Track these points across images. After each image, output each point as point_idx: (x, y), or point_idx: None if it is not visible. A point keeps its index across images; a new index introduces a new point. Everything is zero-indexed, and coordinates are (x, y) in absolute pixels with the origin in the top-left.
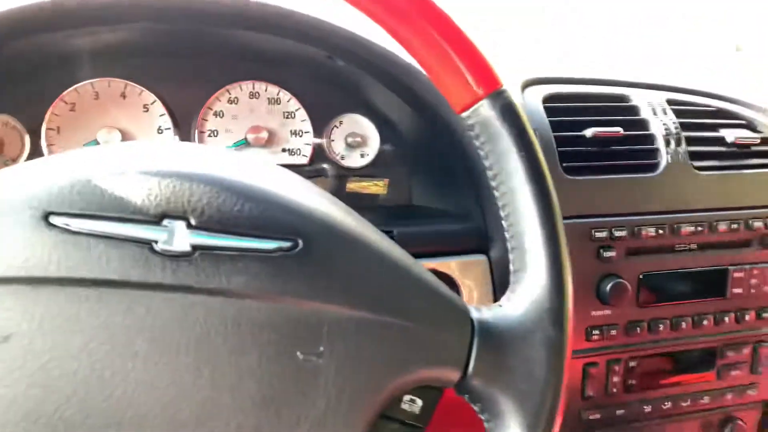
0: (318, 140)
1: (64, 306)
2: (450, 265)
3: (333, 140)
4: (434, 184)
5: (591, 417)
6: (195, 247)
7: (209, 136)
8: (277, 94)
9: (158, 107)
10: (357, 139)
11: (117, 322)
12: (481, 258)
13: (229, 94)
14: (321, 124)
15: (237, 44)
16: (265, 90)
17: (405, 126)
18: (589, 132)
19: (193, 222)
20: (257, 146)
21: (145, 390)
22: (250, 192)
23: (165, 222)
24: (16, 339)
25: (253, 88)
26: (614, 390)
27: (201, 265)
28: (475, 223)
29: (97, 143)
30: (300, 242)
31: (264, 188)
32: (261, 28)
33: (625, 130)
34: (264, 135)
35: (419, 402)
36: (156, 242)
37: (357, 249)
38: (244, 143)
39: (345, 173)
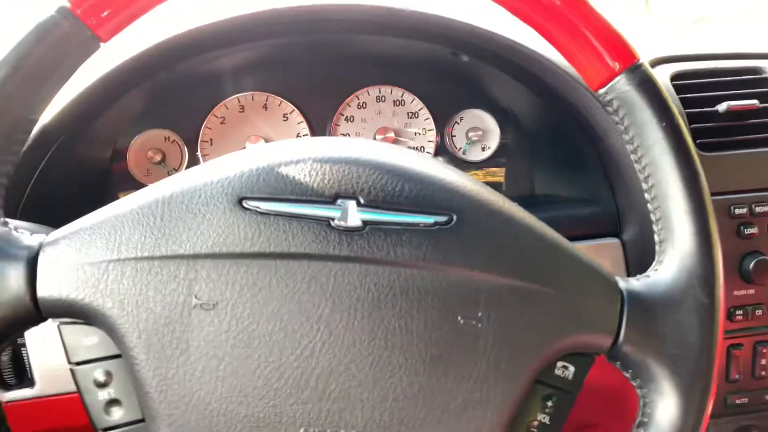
0: (439, 137)
1: (259, 277)
2: (581, 249)
3: (455, 136)
4: (558, 172)
5: (738, 401)
6: (365, 223)
7: (341, 136)
8: (402, 96)
9: (296, 116)
10: (478, 133)
11: (303, 289)
12: (614, 241)
13: (358, 99)
14: (443, 121)
15: (363, 52)
16: (390, 93)
17: (527, 116)
18: (722, 107)
19: (362, 201)
20: None
21: (329, 349)
22: (409, 174)
23: (339, 202)
24: (221, 306)
25: (380, 92)
26: (763, 373)
27: (371, 238)
28: (605, 207)
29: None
30: (454, 217)
31: (421, 170)
32: (388, 32)
33: (761, 103)
34: (391, 135)
35: (572, 368)
36: (333, 219)
37: (505, 222)
38: None
39: (466, 167)
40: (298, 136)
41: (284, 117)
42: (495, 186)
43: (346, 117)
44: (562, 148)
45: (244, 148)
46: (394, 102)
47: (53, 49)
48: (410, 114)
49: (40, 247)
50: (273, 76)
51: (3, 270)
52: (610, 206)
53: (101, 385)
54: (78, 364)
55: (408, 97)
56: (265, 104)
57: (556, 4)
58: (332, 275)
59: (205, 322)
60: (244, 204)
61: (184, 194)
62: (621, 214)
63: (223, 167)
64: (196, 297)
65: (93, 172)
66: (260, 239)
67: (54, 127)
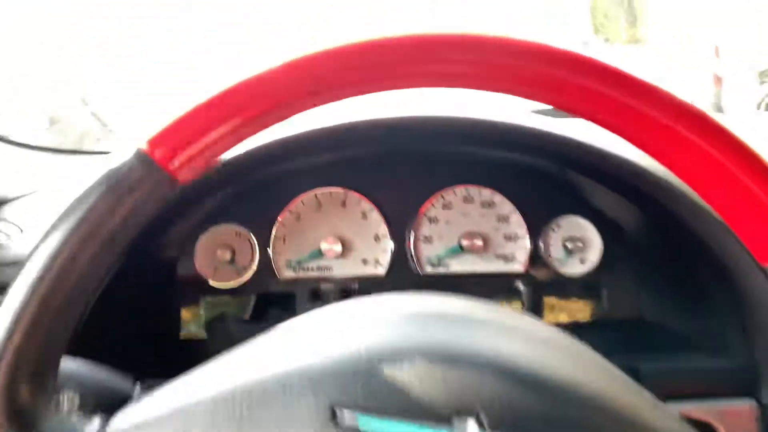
0: (533, 245)
1: None
2: (708, 410)
3: (551, 245)
4: (672, 303)
5: None
6: None
7: (424, 242)
8: (491, 197)
9: (376, 215)
10: (577, 243)
11: None
12: (749, 404)
13: (444, 199)
14: (537, 227)
15: (451, 151)
16: (479, 194)
17: (636, 230)
18: None
19: (485, 420)
20: (471, 252)
21: None
22: (553, 387)
23: (455, 422)
24: None
25: (467, 193)
26: None
27: None
28: (739, 358)
29: (320, 252)
30: None
31: (566, 381)
32: (484, 144)
33: None
34: (479, 242)
35: None
36: None
37: None
38: (458, 250)
39: (563, 281)
40: (376, 237)
41: (363, 215)
42: (594, 309)
43: (430, 218)
44: (679, 276)
45: (319, 248)
46: (483, 204)
47: (126, 198)
48: (500, 218)
49: None
50: (353, 172)
51: None
52: (744, 358)
53: None
54: None
55: (498, 198)
56: (344, 201)
57: (727, 159)
58: None
59: None
60: (338, 418)
61: (260, 398)
62: (761, 368)
63: (307, 360)
64: None
65: (157, 276)
66: None
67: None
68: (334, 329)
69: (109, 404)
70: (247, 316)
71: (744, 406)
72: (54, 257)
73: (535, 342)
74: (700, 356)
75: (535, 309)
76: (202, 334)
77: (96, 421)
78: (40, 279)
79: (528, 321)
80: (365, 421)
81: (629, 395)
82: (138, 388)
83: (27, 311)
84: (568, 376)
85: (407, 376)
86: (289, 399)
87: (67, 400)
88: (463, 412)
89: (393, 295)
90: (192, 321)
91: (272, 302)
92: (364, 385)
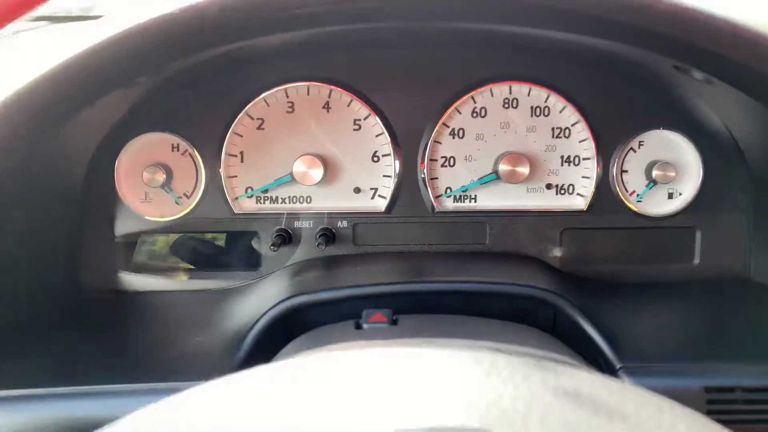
0: (602, 171)
1: None
2: None
3: (626, 171)
4: None
5: None
6: None
7: (443, 165)
8: (545, 101)
9: (373, 123)
10: (669, 173)
11: None
12: None
13: (475, 103)
14: (610, 146)
15: (487, 30)
16: (528, 95)
17: (757, 147)
18: None
19: None
20: (512, 182)
21: None
22: None
23: None
24: None
25: (510, 93)
26: None
27: None
28: None
29: (293, 179)
30: None
31: None
32: (544, 20)
33: None
34: (524, 168)
35: None
36: None
37: None
38: (493, 178)
39: (642, 223)
40: (374, 156)
41: (355, 125)
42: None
43: (453, 130)
44: None
45: (291, 172)
46: (532, 110)
47: None
48: (557, 130)
49: None
50: (341, 59)
51: None
52: None
53: None
54: None
55: (556, 103)
56: (327, 103)
57: None
58: None
59: None
60: None
61: None
62: None
63: None
64: None
65: (55, 209)
66: None
67: None
68: None
69: None
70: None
71: None
72: None
73: None
74: None
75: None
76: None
77: None
78: None
79: None
80: None
81: None
82: None
83: None
84: None
85: None
86: None
87: None
88: None
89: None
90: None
91: (230, 242)
92: None
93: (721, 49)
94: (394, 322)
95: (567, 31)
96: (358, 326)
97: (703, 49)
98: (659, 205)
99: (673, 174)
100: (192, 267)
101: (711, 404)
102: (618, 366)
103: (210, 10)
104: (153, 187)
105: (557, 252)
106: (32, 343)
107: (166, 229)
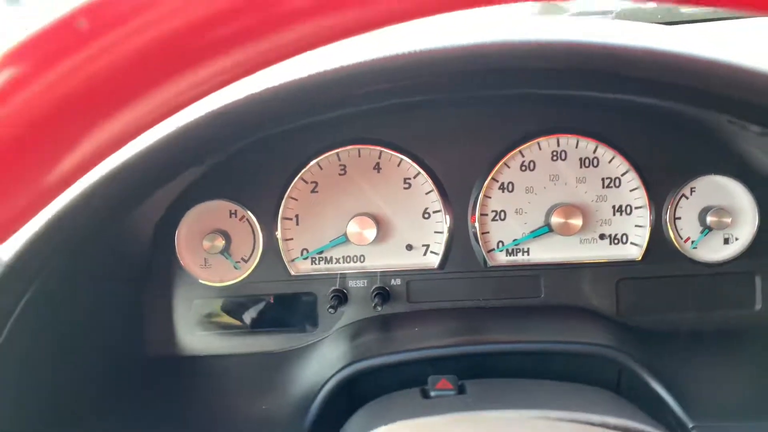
0: (654, 219)
1: None
2: None
3: (679, 218)
4: None
5: None
6: None
7: (494, 219)
8: (594, 152)
9: (423, 181)
10: (724, 219)
11: None
12: None
13: (523, 157)
14: (662, 193)
15: (534, 88)
16: (576, 146)
17: None
18: None
19: None
20: (564, 234)
21: None
22: None
23: None
24: None
25: (558, 146)
26: None
27: None
28: None
29: (347, 239)
30: None
31: None
32: (593, 79)
33: None
34: (577, 221)
35: None
36: None
37: None
38: (546, 231)
39: (699, 271)
40: (425, 213)
41: (405, 183)
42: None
43: (502, 184)
44: None
45: (345, 233)
46: (581, 161)
47: None
48: (607, 181)
49: None
50: (389, 121)
51: None
52: None
53: None
54: None
55: (605, 153)
56: (378, 163)
57: None
58: None
59: None
60: None
61: None
62: None
63: None
64: None
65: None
66: None
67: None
68: None
69: None
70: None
71: None
72: None
73: None
74: None
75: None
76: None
77: None
78: None
79: None
80: None
81: None
82: None
83: None
84: None
85: None
86: None
87: None
88: None
89: None
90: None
91: (287, 303)
92: None
93: None
94: (461, 389)
95: (624, 94)
96: (425, 394)
97: (759, 106)
98: (715, 251)
99: (728, 220)
100: (249, 328)
101: None
102: (691, 426)
103: (307, 87)
104: (212, 253)
105: (614, 304)
106: (99, 412)
107: (226, 293)
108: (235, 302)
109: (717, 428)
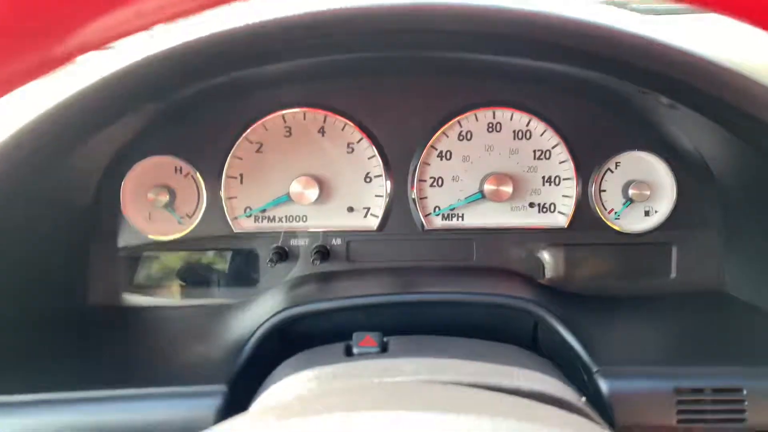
0: (581, 191)
1: None
2: None
3: (604, 191)
4: None
5: None
6: None
7: (432, 185)
8: (527, 125)
9: (366, 146)
10: (644, 192)
11: None
12: None
13: (461, 127)
14: (588, 167)
15: (474, 60)
16: (510, 119)
17: (725, 168)
18: None
19: None
20: (497, 201)
21: None
22: None
23: None
24: None
25: (494, 118)
26: None
27: None
28: None
29: (290, 199)
30: None
31: None
32: (528, 50)
33: None
34: (508, 187)
35: None
36: None
37: None
38: (479, 197)
39: (620, 240)
40: (367, 177)
41: (349, 148)
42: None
43: (441, 153)
44: None
45: (287, 192)
46: (515, 134)
47: None
48: (538, 153)
49: None
50: (335, 86)
51: None
52: None
53: None
54: None
55: (537, 127)
56: (322, 127)
57: None
58: None
59: None
60: None
61: None
62: None
63: None
64: None
65: (63, 233)
66: None
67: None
68: None
69: None
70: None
71: None
72: None
73: None
74: None
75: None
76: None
77: None
78: None
79: None
80: None
81: None
82: None
83: None
84: None
85: None
86: None
87: None
88: None
89: None
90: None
91: (229, 259)
92: None
93: (680, 77)
94: (384, 346)
95: (535, 58)
96: (349, 350)
97: (663, 77)
98: (636, 222)
99: (648, 192)
100: (191, 283)
101: (681, 404)
102: (594, 369)
103: (225, 39)
104: (157, 207)
105: (540, 267)
106: (37, 353)
107: (169, 247)
108: (177, 257)
109: (616, 371)
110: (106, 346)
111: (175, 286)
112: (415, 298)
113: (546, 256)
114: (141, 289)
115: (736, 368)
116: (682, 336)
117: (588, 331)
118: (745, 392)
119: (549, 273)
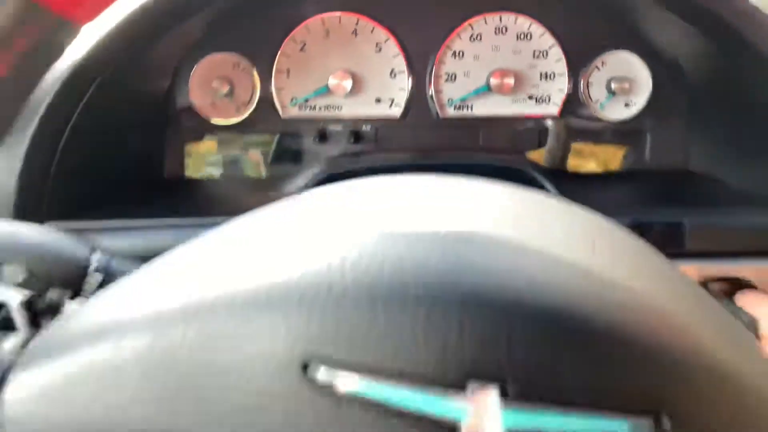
0: (572, 85)
1: None
2: (749, 270)
3: (591, 84)
4: (724, 148)
5: None
6: None
7: (446, 80)
8: (528, 28)
9: (392, 46)
10: (624, 84)
11: None
12: None
13: (472, 29)
14: (579, 64)
15: None
16: (515, 23)
17: (693, 66)
18: None
19: (511, 389)
20: (501, 93)
21: None
22: (595, 338)
23: (470, 387)
24: None
25: (500, 22)
26: None
27: None
28: None
29: (328, 89)
30: (665, 420)
31: (615, 326)
32: None
33: None
34: (510, 81)
35: None
36: (457, 426)
37: (745, 408)
38: (485, 89)
39: (601, 126)
40: (392, 73)
41: (377, 47)
42: (631, 153)
43: (455, 52)
44: (737, 125)
45: (327, 84)
46: (518, 36)
47: None
48: (537, 53)
49: (8, 370)
50: None
51: None
52: None
53: None
54: None
55: (536, 30)
56: (355, 29)
57: None
58: None
59: None
60: (310, 370)
61: (212, 330)
62: None
63: (275, 281)
64: None
65: (145, 114)
66: None
67: (97, 60)
68: (321, 228)
69: (64, 276)
70: (270, 157)
71: None
72: None
73: (596, 261)
74: (750, 211)
75: (562, 155)
76: (203, 173)
77: (21, 334)
78: None
79: (585, 226)
80: (347, 382)
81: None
82: (97, 255)
83: None
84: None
85: (405, 318)
86: (260, 361)
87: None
88: (482, 375)
89: (409, 181)
90: (194, 159)
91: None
92: (342, 330)
93: None
94: None
95: None
96: None
97: None
98: (617, 112)
99: (628, 86)
100: (247, 163)
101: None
102: None
103: None
104: (219, 96)
105: (534, 147)
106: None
107: (227, 129)
108: (234, 138)
109: None
110: (181, 204)
111: (232, 162)
112: (431, 161)
113: (541, 139)
114: (206, 167)
115: (681, 209)
116: (643, 193)
117: (568, 193)
118: (686, 226)
119: (546, 155)
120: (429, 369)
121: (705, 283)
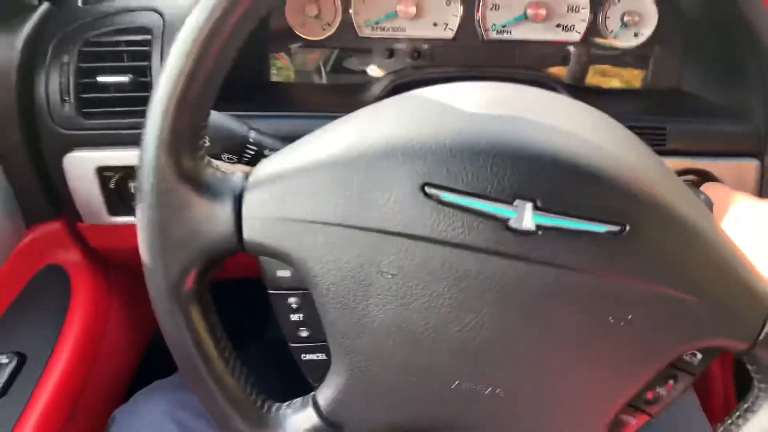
0: (593, 16)
1: (432, 259)
2: (717, 166)
3: (608, 17)
4: (711, 72)
5: None
6: (539, 227)
7: (491, 9)
8: None
9: None
10: (635, 17)
11: (471, 276)
12: (752, 163)
13: None
14: (598, 1)
15: None
16: None
17: (691, 5)
18: None
19: (539, 204)
20: (534, 21)
21: (488, 328)
22: (589, 176)
23: (516, 203)
24: (399, 277)
25: None
26: None
27: (543, 241)
28: (753, 124)
29: (396, 14)
30: (627, 227)
31: (601, 171)
32: None
33: None
34: (543, 11)
35: (699, 356)
36: (509, 220)
37: (678, 234)
38: (522, 18)
39: (615, 52)
40: (448, 1)
41: None
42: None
43: None
44: (721, 49)
45: (395, 10)
46: None
47: None
48: None
49: (243, 190)
50: None
51: (213, 212)
52: (758, 124)
53: (293, 311)
54: (274, 289)
55: None
56: None
57: None
58: (499, 269)
59: (384, 286)
60: (426, 190)
61: (372, 165)
62: None
63: (407, 138)
64: (379, 265)
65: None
66: (439, 228)
67: None
68: (429, 111)
69: (232, 146)
70: (328, 67)
71: (749, 164)
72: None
73: (593, 136)
74: (723, 121)
75: (581, 73)
76: (291, 78)
77: (239, 172)
78: (187, 56)
79: (589, 116)
80: (449, 197)
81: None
82: (253, 132)
83: (178, 91)
84: (611, 170)
85: (481, 164)
86: (391, 176)
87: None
88: (523, 196)
89: (477, 86)
90: (283, 67)
91: (351, 56)
92: (450, 169)
93: None
94: None
95: None
96: None
97: None
98: (628, 40)
99: (637, 19)
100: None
101: None
102: None
103: None
104: (308, 17)
105: (562, 67)
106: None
107: (314, 44)
108: (318, 53)
109: None
110: (282, 101)
111: (316, 72)
112: (476, 74)
113: (565, 59)
114: (298, 73)
115: (667, 117)
116: (639, 106)
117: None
118: (667, 129)
119: (569, 73)
120: (493, 191)
121: (677, 174)
